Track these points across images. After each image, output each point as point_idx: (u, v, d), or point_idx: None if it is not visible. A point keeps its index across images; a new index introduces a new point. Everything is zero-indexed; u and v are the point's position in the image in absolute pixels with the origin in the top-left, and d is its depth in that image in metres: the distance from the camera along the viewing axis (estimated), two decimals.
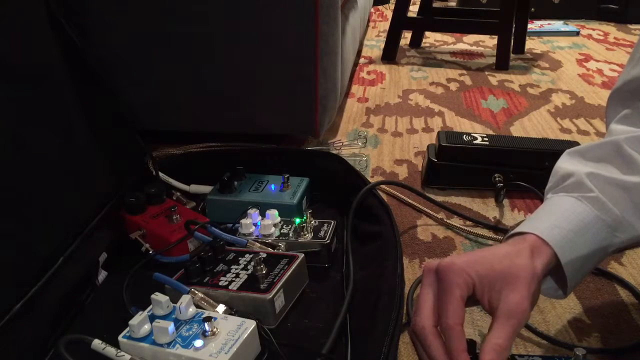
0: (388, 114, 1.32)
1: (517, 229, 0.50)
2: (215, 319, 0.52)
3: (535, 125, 1.24)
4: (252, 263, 0.63)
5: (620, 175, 0.50)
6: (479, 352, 0.44)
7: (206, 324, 0.51)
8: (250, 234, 0.71)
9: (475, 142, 0.93)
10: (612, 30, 2.40)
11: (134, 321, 0.52)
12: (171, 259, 0.68)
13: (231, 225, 0.73)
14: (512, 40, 1.80)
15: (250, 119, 1.02)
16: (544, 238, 0.47)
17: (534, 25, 2.31)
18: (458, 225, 0.82)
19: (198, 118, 1.03)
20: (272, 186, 0.82)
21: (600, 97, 1.45)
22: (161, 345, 0.51)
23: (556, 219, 0.48)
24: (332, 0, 0.94)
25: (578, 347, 0.43)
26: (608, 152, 0.52)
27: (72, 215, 0.66)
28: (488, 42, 2.12)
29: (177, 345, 0.51)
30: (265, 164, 0.89)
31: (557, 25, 2.38)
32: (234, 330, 0.52)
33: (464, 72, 1.70)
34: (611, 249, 0.49)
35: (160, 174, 0.86)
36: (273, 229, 0.71)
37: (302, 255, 0.65)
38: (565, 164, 0.54)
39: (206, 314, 0.54)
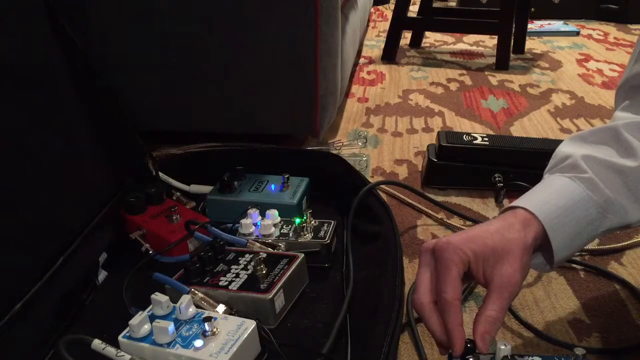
0: (388, 114, 1.32)
1: (510, 205, 0.51)
2: (215, 319, 0.52)
3: (535, 125, 1.24)
4: (252, 263, 0.63)
5: (616, 159, 0.51)
6: (479, 352, 0.44)
7: (206, 324, 0.51)
8: (250, 234, 0.71)
9: (475, 142, 0.93)
10: (612, 30, 2.40)
11: (134, 321, 0.52)
12: (171, 259, 0.68)
13: (231, 225, 0.73)
14: (512, 40, 1.80)
15: (250, 119, 1.02)
16: (534, 212, 0.49)
17: (534, 25, 2.31)
18: (458, 225, 0.82)
19: (198, 118, 1.03)
20: (272, 186, 0.82)
21: (600, 97, 1.45)
22: (161, 345, 0.51)
23: (547, 196, 0.50)
24: (332, 0, 0.94)
25: (578, 347, 0.43)
26: (607, 137, 0.54)
27: (72, 215, 0.66)
28: (488, 42, 2.12)
29: (177, 345, 0.51)
30: (265, 164, 0.89)
31: (557, 25, 2.38)
32: (234, 330, 0.52)
33: (464, 72, 1.70)
34: (601, 229, 0.51)
35: (160, 174, 0.86)
36: (273, 229, 0.71)
37: (302, 255, 0.65)
38: (564, 147, 0.56)
39: (206, 314, 0.54)
